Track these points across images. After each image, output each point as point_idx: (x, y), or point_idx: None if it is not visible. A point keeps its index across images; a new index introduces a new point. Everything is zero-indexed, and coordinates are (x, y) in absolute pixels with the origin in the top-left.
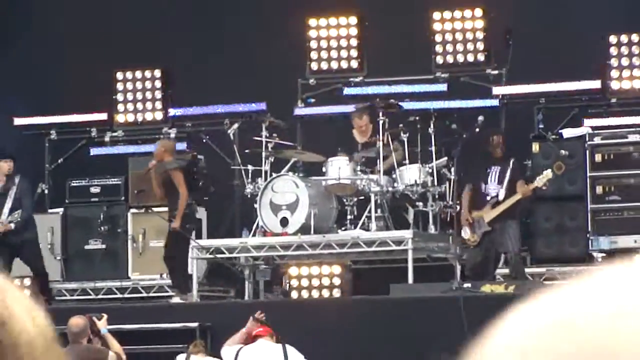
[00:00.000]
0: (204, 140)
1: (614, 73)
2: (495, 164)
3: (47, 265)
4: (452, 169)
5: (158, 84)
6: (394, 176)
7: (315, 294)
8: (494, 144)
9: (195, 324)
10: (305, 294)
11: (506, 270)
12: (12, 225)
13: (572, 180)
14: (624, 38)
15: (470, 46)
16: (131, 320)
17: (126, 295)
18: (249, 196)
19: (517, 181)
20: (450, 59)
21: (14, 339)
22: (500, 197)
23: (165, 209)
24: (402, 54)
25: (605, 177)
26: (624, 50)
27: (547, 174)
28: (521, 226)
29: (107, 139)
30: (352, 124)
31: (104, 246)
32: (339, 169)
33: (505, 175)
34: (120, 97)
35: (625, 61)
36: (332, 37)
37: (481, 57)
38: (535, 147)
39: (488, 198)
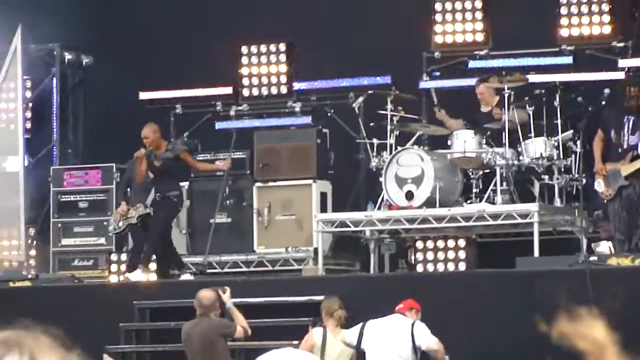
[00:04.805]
0: (329, 114)
1: None
2: (630, 114)
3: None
4: (578, 142)
5: (283, 57)
6: (519, 149)
7: (440, 267)
8: (629, 96)
9: (320, 297)
10: (430, 267)
11: None
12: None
13: None
14: None
15: (596, 19)
16: (256, 293)
17: (251, 269)
18: (374, 170)
19: None
20: (575, 31)
21: None
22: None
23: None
24: (528, 26)
25: None
26: None
27: None
28: None
29: (232, 113)
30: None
31: (229, 220)
32: (464, 142)
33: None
34: (245, 71)
35: None
36: (458, 10)
37: (607, 29)
38: None
39: (620, 150)
